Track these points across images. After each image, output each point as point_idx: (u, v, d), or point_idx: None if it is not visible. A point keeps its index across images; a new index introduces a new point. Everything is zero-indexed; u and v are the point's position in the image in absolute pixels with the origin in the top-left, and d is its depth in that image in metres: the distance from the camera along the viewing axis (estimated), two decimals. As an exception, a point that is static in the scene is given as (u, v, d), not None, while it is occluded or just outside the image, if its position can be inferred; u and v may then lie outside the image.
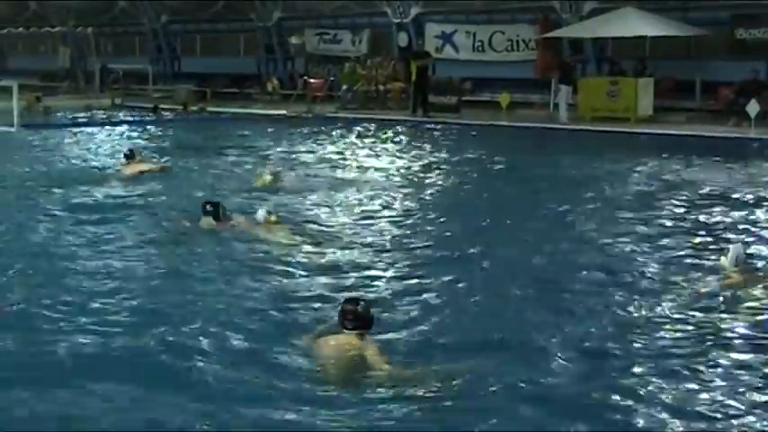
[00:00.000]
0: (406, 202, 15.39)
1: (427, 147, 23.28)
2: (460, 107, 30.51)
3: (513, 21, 32.12)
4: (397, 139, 25.07)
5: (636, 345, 8.23)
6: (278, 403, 6.92)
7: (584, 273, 10.67)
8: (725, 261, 10.26)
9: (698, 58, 28.23)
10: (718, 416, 6.85)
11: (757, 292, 9.65)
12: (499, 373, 7.45)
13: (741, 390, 7.26)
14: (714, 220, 13.85)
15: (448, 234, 12.89)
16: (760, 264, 10.89)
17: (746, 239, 12.20)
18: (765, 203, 15.21)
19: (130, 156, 18.20)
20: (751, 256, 10.81)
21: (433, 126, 27.81)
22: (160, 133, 26.84)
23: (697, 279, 10.25)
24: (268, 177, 16.47)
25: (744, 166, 19.37)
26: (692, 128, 25.47)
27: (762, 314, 9.06)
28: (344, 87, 33.46)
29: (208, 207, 12.59)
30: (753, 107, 24.31)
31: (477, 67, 32.59)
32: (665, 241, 12.29)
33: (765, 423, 6.76)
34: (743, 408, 6.97)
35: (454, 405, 6.91)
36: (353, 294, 8.78)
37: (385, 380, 7.26)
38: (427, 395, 7.05)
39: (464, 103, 30.80)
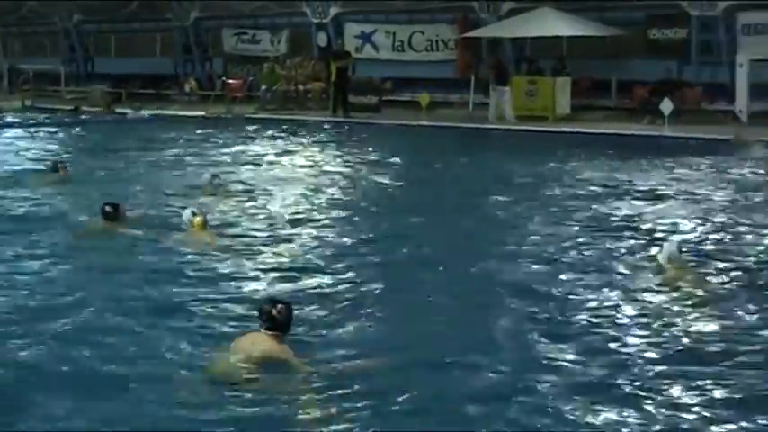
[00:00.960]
0: (329, 204, 15.40)
1: (348, 147, 23.36)
2: (381, 107, 30.66)
3: (432, 21, 32.27)
4: (317, 140, 25.08)
5: (571, 344, 8.33)
6: (189, 403, 7.03)
7: (516, 272, 10.83)
8: (660, 258, 10.50)
9: (614, 57, 28.71)
10: (657, 410, 7.03)
11: (691, 287, 9.92)
12: (415, 375, 7.57)
13: (679, 385, 7.44)
14: (640, 216, 14.14)
15: (373, 235, 12.93)
16: (693, 258, 11.17)
17: (675, 235, 12.50)
18: (684, 199, 15.63)
19: (54, 169, 17.47)
20: (683, 251, 11.02)
21: (353, 126, 27.88)
22: (82, 135, 26.55)
23: (632, 276, 10.49)
24: (208, 188, 16.07)
25: (659, 162, 19.79)
26: (609, 126, 25.95)
27: (695, 308, 9.32)
28: (264, 88, 33.33)
29: (107, 208, 12.51)
30: (666, 106, 24.85)
31: (397, 66, 32.72)
32: (596, 239, 12.53)
33: (697, 417, 6.95)
34: (678, 402, 7.15)
35: (364, 406, 6.99)
36: (274, 296, 8.79)
37: (296, 381, 7.36)
38: (339, 396, 7.14)
39: (384, 103, 30.96)
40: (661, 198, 15.75)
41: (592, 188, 16.76)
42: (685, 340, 8.51)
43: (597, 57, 28.86)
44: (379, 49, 33.42)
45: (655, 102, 25.76)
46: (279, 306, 7.82)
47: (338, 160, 20.98)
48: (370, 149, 22.76)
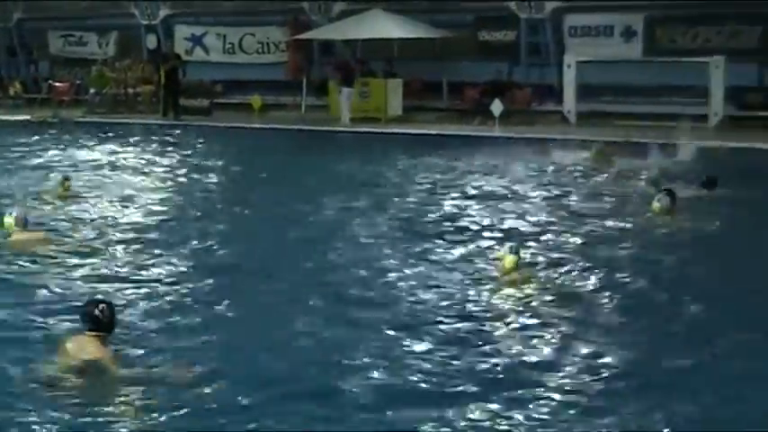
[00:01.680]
0: (157, 208, 15.15)
1: (179, 151, 22.91)
2: (212, 110, 30.25)
3: (263, 23, 32.03)
4: (147, 144, 24.52)
5: (411, 347, 8.31)
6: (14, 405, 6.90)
7: (343, 275, 10.78)
8: (500, 257, 10.44)
9: (444, 59, 28.96)
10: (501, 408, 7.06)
11: (530, 288, 9.94)
12: (233, 376, 7.55)
13: (523, 384, 7.48)
14: (472, 217, 14.24)
15: (202, 239, 12.75)
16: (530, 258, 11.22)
17: (509, 235, 12.63)
18: (515, 198, 15.77)
19: None
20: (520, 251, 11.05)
21: (184, 129, 27.39)
22: None
23: (470, 277, 10.48)
24: (59, 188, 15.68)
25: (490, 162, 19.97)
26: (441, 127, 26.15)
27: (535, 309, 9.34)
28: (92, 91, 32.41)
29: None
30: (496, 106, 25.17)
31: (228, 69, 32.34)
32: (436, 240, 12.56)
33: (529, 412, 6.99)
34: (523, 400, 7.19)
35: (190, 408, 6.97)
36: (97, 297, 8.60)
37: (115, 383, 7.32)
38: (159, 400, 7.09)
39: (216, 106, 30.55)
40: (492, 198, 15.85)
41: (424, 189, 16.81)
42: (524, 339, 8.54)
43: (428, 58, 29.04)
44: (209, 52, 32.97)
45: (485, 103, 26.08)
46: (101, 306, 7.74)
47: (168, 164, 20.58)
48: (201, 152, 22.51)
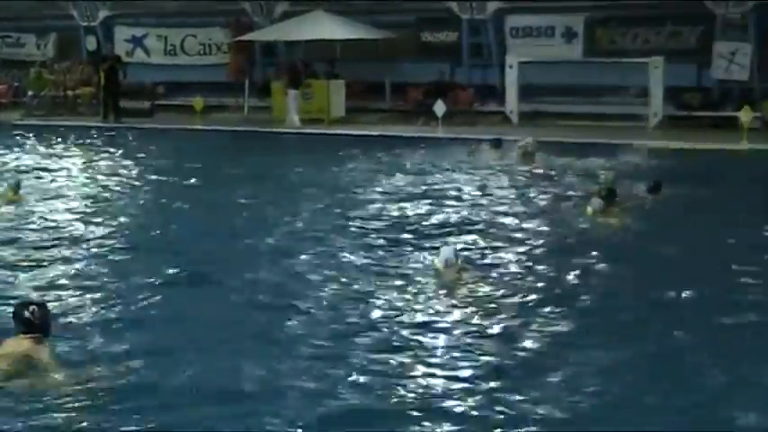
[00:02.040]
0: (97, 211, 15.03)
1: (119, 153, 22.66)
2: (154, 111, 29.99)
3: (205, 24, 31.83)
4: (87, 146, 24.24)
5: (351, 350, 8.33)
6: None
7: (280, 274, 10.83)
8: (437, 262, 10.47)
9: (387, 60, 28.98)
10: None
11: (469, 289, 9.97)
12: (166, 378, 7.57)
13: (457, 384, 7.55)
14: (414, 217, 14.27)
15: (141, 242, 12.77)
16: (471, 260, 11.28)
17: (451, 237, 12.66)
18: (458, 198, 15.81)
19: None
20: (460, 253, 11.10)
21: (125, 131, 27.11)
22: None
23: (411, 280, 10.46)
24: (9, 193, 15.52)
25: (434, 163, 20.02)
26: (384, 128, 26.15)
27: (475, 311, 9.34)
28: (30, 93, 31.99)
29: None
30: (439, 107, 25.22)
31: (169, 70, 32.07)
32: (376, 241, 12.59)
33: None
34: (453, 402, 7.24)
35: (123, 407, 7.02)
36: (28, 299, 8.64)
37: (53, 384, 7.28)
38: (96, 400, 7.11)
39: (157, 108, 30.30)
40: (436, 198, 15.87)
41: (366, 190, 16.78)
42: (465, 342, 8.54)
43: (371, 59, 29.06)
44: (150, 53, 32.70)
45: (428, 103, 26.11)
46: (32, 308, 7.73)
47: (109, 166, 20.36)
48: (142, 155, 22.19)
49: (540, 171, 18.37)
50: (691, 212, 14.45)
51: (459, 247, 11.46)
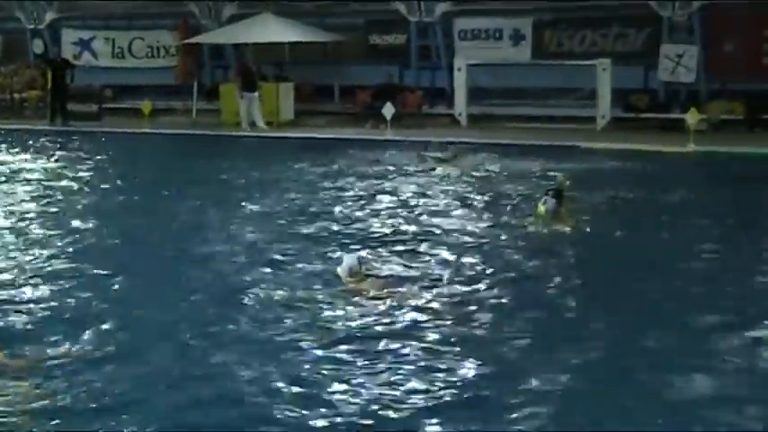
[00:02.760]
0: (45, 215, 14.86)
1: (67, 156, 22.43)
2: (102, 115, 29.74)
3: (152, 27, 31.64)
4: (34, 150, 23.94)
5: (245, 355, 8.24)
6: None
7: (210, 276, 10.81)
8: (339, 270, 10.30)
9: (335, 62, 28.94)
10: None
11: (373, 297, 9.76)
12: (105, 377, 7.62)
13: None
14: (361, 221, 14.19)
15: (92, 243, 12.78)
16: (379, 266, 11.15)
17: (391, 239, 12.66)
18: (405, 203, 15.76)
19: None
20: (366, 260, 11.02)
21: (72, 135, 26.85)
22: None
23: (313, 290, 10.24)
24: None
25: (380, 164, 20.03)
26: (333, 131, 26.09)
27: (378, 320, 9.21)
28: (-24, 97, 31.70)
29: None
30: (388, 110, 25.18)
31: (117, 73, 31.82)
32: (312, 244, 12.47)
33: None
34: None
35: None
36: None
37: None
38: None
39: (106, 111, 30.04)
40: (381, 202, 15.79)
41: (312, 193, 16.70)
42: (365, 348, 8.45)
43: (319, 62, 29.01)
44: (98, 56, 32.45)
45: (377, 106, 26.07)
46: None
47: (53, 170, 20.11)
48: (89, 158, 21.96)
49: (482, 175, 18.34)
50: (637, 214, 14.52)
51: (387, 252, 11.49)
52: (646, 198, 15.84)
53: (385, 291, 9.92)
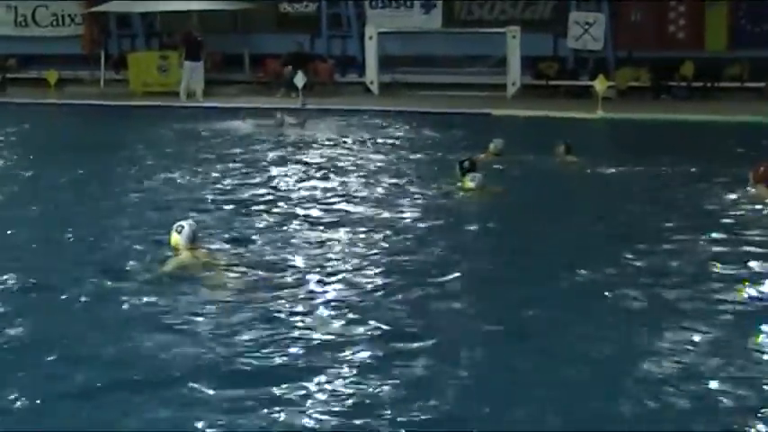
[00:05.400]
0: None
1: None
2: (6, 86, 29.08)
3: (57, -6, 30.97)
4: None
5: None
6: None
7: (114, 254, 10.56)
8: (179, 238, 9.63)
9: (245, 32, 28.66)
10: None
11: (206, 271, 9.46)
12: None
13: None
14: (267, 190, 14.13)
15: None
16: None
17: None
18: (328, 171, 15.67)
19: None
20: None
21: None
22: None
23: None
24: None
25: (285, 134, 19.98)
26: (245, 100, 25.84)
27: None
28: None
29: None
30: (299, 79, 24.98)
31: (21, 43, 31.02)
32: (213, 213, 12.43)
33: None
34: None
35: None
36: None
37: None
38: None
39: (10, 82, 29.38)
40: (303, 171, 15.71)
41: (214, 163, 16.53)
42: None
43: (229, 31, 28.70)
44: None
45: (288, 75, 25.86)
46: None
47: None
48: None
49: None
50: (544, 180, 14.64)
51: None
52: (551, 164, 15.91)
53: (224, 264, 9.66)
